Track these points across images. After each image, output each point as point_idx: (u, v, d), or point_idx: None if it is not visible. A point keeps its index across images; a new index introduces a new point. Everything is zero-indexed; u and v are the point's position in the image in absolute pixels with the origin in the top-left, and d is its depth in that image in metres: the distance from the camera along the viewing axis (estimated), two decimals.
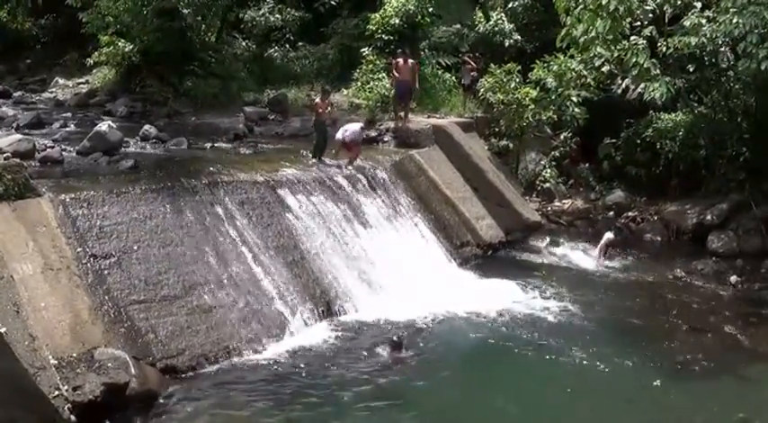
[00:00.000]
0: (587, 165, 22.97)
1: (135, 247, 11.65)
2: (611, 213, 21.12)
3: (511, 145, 22.14)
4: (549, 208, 21.67)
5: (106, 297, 10.76)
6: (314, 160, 17.10)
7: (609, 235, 18.41)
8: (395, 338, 12.22)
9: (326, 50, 27.64)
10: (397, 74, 20.09)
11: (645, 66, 17.45)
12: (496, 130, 22.32)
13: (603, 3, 16.76)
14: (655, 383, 11.30)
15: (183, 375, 10.83)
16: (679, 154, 20.41)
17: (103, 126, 16.93)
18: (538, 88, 20.95)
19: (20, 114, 21.77)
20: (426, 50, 25.41)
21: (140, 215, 12.12)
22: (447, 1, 26.21)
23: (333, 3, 28.73)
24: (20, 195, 11.05)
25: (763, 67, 15.41)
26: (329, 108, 17.83)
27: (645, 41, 17.65)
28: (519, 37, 25.58)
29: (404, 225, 16.59)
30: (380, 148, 19.61)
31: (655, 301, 15.34)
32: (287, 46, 28.83)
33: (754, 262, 17.16)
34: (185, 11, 26.14)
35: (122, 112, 24.02)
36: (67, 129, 20.30)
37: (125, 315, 10.78)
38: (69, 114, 23.45)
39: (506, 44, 25.46)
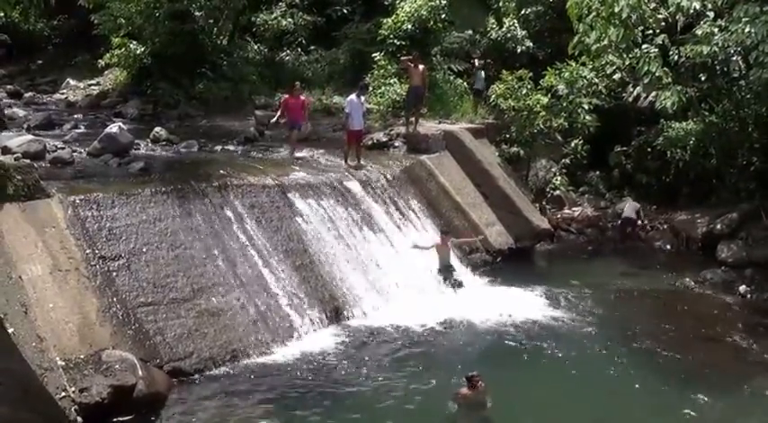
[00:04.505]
0: (597, 173, 22.92)
1: (144, 250, 11.68)
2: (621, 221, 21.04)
3: (521, 152, 22.04)
4: (559, 215, 21.61)
5: (114, 299, 10.78)
6: None
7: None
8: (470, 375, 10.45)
9: (338, 55, 27.64)
10: (409, 78, 20.09)
11: (657, 74, 17.45)
12: (507, 136, 22.24)
13: (616, 11, 16.74)
14: (663, 392, 11.24)
15: (191, 378, 10.85)
16: (689, 163, 20.36)
17: (114, 128, 17.00)
18: (549, 95, 20.89)
19: (31, 115, 21.91)
20: (438, 56, 25.37)
21: (150, 217, 12.14)
22: (460, 7, 26.10)
23: (344, 11, 28.78)
24: (30, 196, 11.09)
25: None
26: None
27: (657, 50, 17.64)
28: (531, 43, 25.58)
29: (413, 230, 16.55)
30: (391, 153, 19.54)
31: (663, 310, 15.27)
32: (299, 50, 28.89)
33: (763, 272, 17.07)
34: (197, 14, 26.22)
35: (133, 114, 24.07)
36: (78, 130, 20.34)
37: (133, 317, 10.80)
38: (80, 116, 23.57)
39: (518, 51, 25.46)
